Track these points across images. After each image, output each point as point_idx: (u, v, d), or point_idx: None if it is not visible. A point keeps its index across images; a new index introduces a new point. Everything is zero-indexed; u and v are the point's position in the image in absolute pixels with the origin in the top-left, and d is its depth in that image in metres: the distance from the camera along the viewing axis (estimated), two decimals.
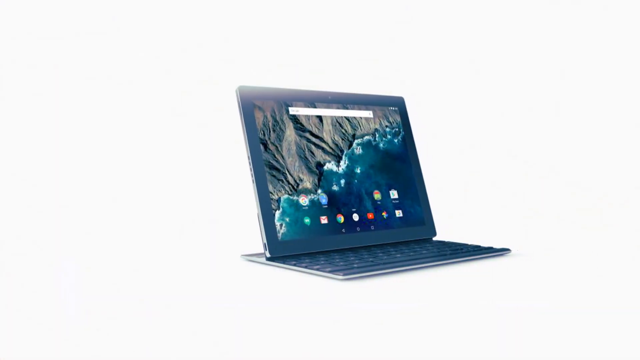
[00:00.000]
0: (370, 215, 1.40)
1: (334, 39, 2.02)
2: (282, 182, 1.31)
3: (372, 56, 2.05)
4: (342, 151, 1.42)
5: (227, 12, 1.95)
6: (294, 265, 1.19)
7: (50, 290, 1.07)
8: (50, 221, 1.70)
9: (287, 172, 1.32)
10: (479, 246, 1.36)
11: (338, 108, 1.45)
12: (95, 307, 0.95)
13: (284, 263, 1.21)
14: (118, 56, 1.83)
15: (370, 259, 1.21)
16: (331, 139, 1.41)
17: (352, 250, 1.34)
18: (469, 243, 1.41)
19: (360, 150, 1.45)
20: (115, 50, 1.83)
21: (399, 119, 1.53)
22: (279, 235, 1.27)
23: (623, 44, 2.01)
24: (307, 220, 1.31)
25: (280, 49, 1.97)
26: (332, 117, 1.43)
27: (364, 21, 2.05)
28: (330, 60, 2.01)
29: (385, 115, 1.51)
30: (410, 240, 1.45)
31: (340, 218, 1.36)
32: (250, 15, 1.96)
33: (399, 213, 1.45)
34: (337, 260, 1.20)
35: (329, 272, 1.10)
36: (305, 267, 1.16)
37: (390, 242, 1.41)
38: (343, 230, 1.35)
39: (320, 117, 1.41)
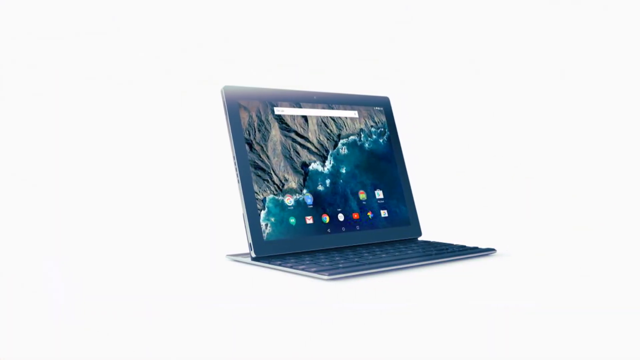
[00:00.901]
0: (355, 215, 1.40)
1: (321, 38, 2.02)
2: (268, 182, 1.31)
3: (357, 56, 2.04)
4: (327, 151, 1.42)
5: (213, 12, 1.94)
6: (280, 265, 1.19)
7: (33, 290, 1.07)
8: (30, 221, 1.69)
9: (272, 172, 1.32)
10: (465, 246, 1.37)
11: (323, 108, 1.45)
12: (79, 307, 0.95)
13: (269, 263, 1.21)
14: (99, 55, 1.82)
15: (356, 259, 1.21)
16: (316, 139, 1.41)
17: (338, 250, 1.34)
18: (455, 243, 1.42)
19: (346, 150, 1.45)
20: (98, 50, 1.82)
21: (384, 119, 1.53)
22: (264, 235, 1.27)
23: (604, 42, 2.01)
24: (292, 220, 1.31)
25: (267, 49, 1.97)
26: (317, 117, 1.43)
27: (348, 22, 2.05)
28: (317, 61, 2.01)
29: (370, 115, 1.51)
30: (396, 240, 1.45)
31: (325, 218, 1.36)
32: (237, 15, 1.96)
33: (384, 213, 1.45)
34: (323, 260, 1.20)
35: (315, 272, 1.10)
36: (291, 267, 1.16)
37: (376, 242, 1.41)
38: (328, 230, 1.35)
39: (305, 117, 1.41)
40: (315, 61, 2.01)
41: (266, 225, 1.28)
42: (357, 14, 2.06)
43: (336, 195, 1.39)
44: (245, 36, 1.97)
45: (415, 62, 2.08)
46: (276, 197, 1.31)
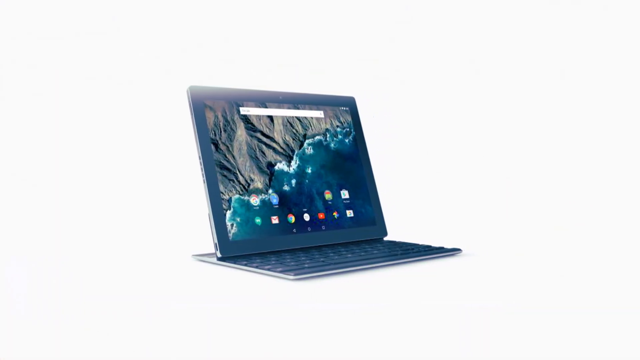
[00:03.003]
0: (321, 215, 1.41)
1: (321, 39, 2.02)
2: (233, 182, 1.30)
3: (357, 56, 2.05)
4: (293, 151, 1.42)
5: (187, 11, 1.93)
6: (245, 265, 1.18)
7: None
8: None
9: (238, 172, 1.32)
10: (430, 246, 1.37)
11: (289, 108, 1.45)
12: (43, 309, 0.94)
13: (235, 263, 1.21)
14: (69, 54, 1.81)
15: (322, 259, 1.21)
16: (282, 139, 1.41)
17: (303, 250, 1.34)
18: (420, 243, 1.42)
19: (311, 150, 1.45)
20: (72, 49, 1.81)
21: (349, 119, 1.53)
22: (230, 235, 1.26)
23: (576, 44, 2.03)
24: (258, 220, 1.31)
25: (265, 49, 1.97)
26: (283, 117, 1.43)
27: (348, 22, 2.05)
28: (316, 61, 2.01)
29: (336, 115, 1.52)
30: (362, 240, 1.45)
31: (291, 218, 1.36)
32: (234, 13, 1.96)
33: (350, 213, 1.45)
34: (288, 260, 1.20)
35: (280, 272, 1.10)
36: (257, 267, 1.16)
37: (342, 242, 1.41)
38: (294, 230, 1.35)
39: (271, 117, 1.41)
40: (315, 61, 2.01)
41: (232, 225, 1.27)
42: (357, 14, 2.06)
43: (302, 195, 1.39)
44: (244, 35, 1.96)
45: (380, 62, 2.08)
46: (242, 197, 1.31)
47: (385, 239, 1.50)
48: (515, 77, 2.05)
